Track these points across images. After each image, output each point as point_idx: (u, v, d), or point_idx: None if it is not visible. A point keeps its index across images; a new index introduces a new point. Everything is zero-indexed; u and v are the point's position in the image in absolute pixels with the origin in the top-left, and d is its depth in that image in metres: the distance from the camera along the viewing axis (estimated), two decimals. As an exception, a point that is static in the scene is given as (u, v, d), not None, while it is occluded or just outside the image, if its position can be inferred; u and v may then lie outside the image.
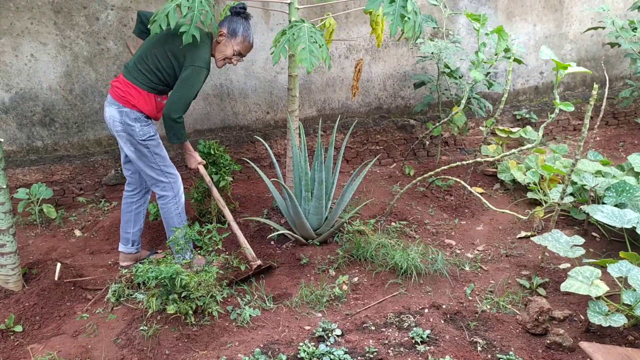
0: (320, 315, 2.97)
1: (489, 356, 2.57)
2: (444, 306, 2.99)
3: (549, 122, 3.23)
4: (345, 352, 2.54)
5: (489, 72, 4.53)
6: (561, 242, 3.09)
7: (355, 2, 4.64)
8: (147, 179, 3.26)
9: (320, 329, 2.73)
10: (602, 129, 5.94)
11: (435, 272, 3.29)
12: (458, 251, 3.64)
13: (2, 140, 2.89)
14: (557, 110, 3.11)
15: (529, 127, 5.11)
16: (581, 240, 3.09)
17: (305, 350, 2.55)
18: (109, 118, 3.09)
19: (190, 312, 2.78)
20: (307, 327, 2.83)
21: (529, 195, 4.19)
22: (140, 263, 3.19)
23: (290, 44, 3.07)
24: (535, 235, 3.70)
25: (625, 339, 2.66)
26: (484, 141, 4.35)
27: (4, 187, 2.89)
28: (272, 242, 3.76)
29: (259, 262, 3.33)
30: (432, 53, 4.45)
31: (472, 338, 2.70)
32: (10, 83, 4.01)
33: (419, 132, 5.20)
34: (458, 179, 3.84)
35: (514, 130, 5.04)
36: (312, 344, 2.63)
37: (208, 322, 2.83)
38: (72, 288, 3.21)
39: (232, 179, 3.97)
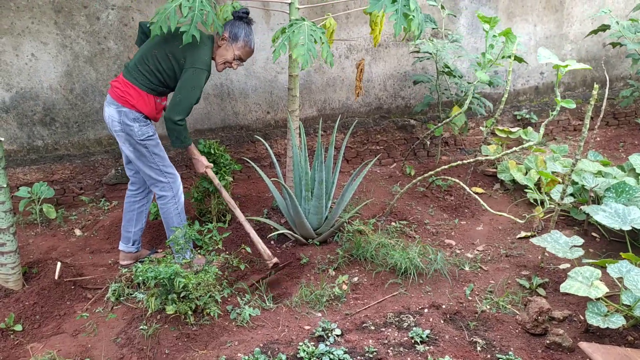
0: (320, 315, 2.97)
1: (489, 356, 2.57)
2: (443, 306, 2.99)
3: (550, 120, 3.23)
4: (345, 352, 2.55)
5: (495, 80, 4.52)
6: (560, 243, 3.09)
7: (355, 2, 4.64)
8: (146, 178, 3.26)
9: (320, 329, 2.73)
10: (602, 129, 5.93)
11: (435, 272, 3.29)
12: (458, 251, 3.65)
13: (2, 139, 2.89)
14: (558, 108, 3.11)
15: (530, 128, 5.11)
16: (580, 241, 3.08)
17: (304, 350, 2.55)
18: (108, 118, 3.09)
19: (190, 312, 2.78)
20: (307, 327, 2.83)
21: (529, 195, 4.19)
22: (140, 262, 3.19)
23: (290, 41, 3.07)
24: (535, 235, 3.70)
25: (624, 339, 2.66)
26: (484, 141, 4.35)
27: (5, 186, 2.89)
28: (272, 242, 3.77)
29: (274, 260, 3.28)
30: (431, 53, 4.45)
31: (471, 338, 2.70)
32: (10, 82, 4.01)
33: (420, 132, 5.20)
34: (458, 180, 3.84)
35: (513, 130, 5.04)
36: (312, 343, 2.63)
37: (208, 321, 2.83)
38: (72, 287, 3.21)
39: (232, 179, 3.97)
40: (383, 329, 2.78)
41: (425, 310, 2.95)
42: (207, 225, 3.35)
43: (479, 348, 2.62)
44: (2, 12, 3.83)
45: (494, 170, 4.72)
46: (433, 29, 4.61)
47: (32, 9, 3.89)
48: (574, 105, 3.07)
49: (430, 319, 2.84)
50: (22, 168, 4.16)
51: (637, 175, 4.01)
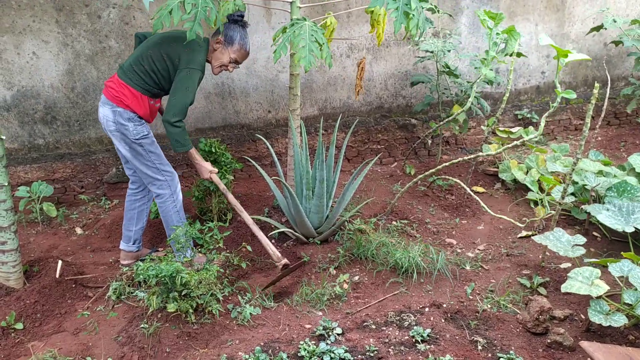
0: (320, 313, 2.97)
1: (490, 355, 2.57)
2: (444, 305, 2.99)
3: (550, 112, 3.23)
4: (346, 351, 2.54)
5: (496, 77, 4.52)
6: (562, 241, 3.09)
7: (356, 1, 4.64)
8: (143, 177, 3.26)
9: (321, 328, 2.73)
10: (603, 129, 5.93)
11: (436, 271, 3.29)
12: (459, 250, 3.64)
13: (3, 137, 2.89)
14: (558, 99, 3.12)
15: (531, 128, 5.10)
16: (583, 240, 3.08)
17: (305, 349, 2.55)
18: (103, 118, 3.10)
19: (191, 310, 2.78)
20: (308, 326, 2.83)
21: (530, 195, 4.19)
22: (141, 261, 3.19)
23: (291, 42, 3.07)
24: (536, 234, 3.70)
25: (625, 338, 2.66)
26: (485, 140, 4.34)
27: (6, 184, 2.90)
28: (273, 241, 3.76)
29: (284, 261, 3.22)
30: (431, 52, 4.45)
31: (472, 337, 2.70)
32: (12, 81, 4.01)
33: (420, 132, 5.20)
34: (458, 180, 3.84)
35: (514, 130, 5.04)
36: (313, 342, 2.63)
37: (209, 320, 2.83)
38: (73, 286, 3.21)
39: (233, 178, 3.97)
40: (384, 328, 2.78)
41: (426, 309, 2.95)
42: (208, 224, 3.35)
43: (479, 347, 2.62)
44: (4, 11, 3.83)
45: (495, 169, 4.72)
46: (433, 28, 4.60)
47: (34, 7, 3.89)
48: (574, 96, 3.07)
49: (431, 318, 2.84)
50: (23, 166, 4.17)
51: (637, 174, 4.00)
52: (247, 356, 2.53)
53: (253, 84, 4.63)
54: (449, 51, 4.43)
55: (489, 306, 2.98)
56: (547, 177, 4.01)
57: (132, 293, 3.15)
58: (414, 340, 2.65)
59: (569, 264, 3.33)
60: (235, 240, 3.68)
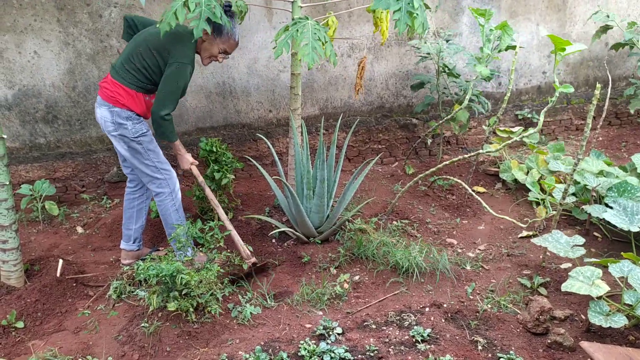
0: (321, 313, 2.97)
1: (490, 355, 2.57)
2: (444, 305, 2.99)
3: (549, 107, 3.24)
4: (346, 351, 2.55)
5: (493, 72, 4.51)
6: (561, 243, 3.09)
7: (357, 1, 4.64)
8: (142, 176, 3.26)
9: (321, 327, 2.73)
10: (604, 129, 5.92)
11: (436, 271, 3.29)
12: (459, 250, 3.64)
13: (5, 136, 2.90)
14: (557, 94, 3.12)
15: (531, 129, 5.09)
16: (582, 240, 3.08)
17: (305, 349, 2.56)
18: (101, 119, 3.11)
19: (191, 309, 2.78)
20: (308, 325, 2.83)
21: (531, 195, 4.19)
22: (141, 260, 3.20)
23: (294, 40, 3.07)
24: (537, 235, 3.70)
25: (625, 338, 2.66)
26: (486, 140, 4.34)
27: (7, 183, 2.90)
28: (274, 240, 3.77)
29: (253, 259, 3.32)
30: (428, 53, 4.45)
31: (472, 337, 2.70)
32: (13, 80, 4.02)
33: (422, 131, 5.20)
34: (459, 180, 3.84)
35: (514, 130, 5.04)
36: (313, 342, 2.64)
37: (209, 319, 2.83)
38: (74, 285, 3.22)
39: (234, 177, 3.97)
40: (384, 328, 2.78)
41: (427, 309, 2.95)
42: (209, 223, 3.35)
43: (480, 347, 2.62)
44: (5, 10, 3.84)
45: (496, 169, 4.71)
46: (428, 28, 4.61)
47: (35, 6, 3.89)
48: (571, 90, 3.08)
49: (432, 318, 2.84)
50: (24, 165, 4.17)
51: (639, 174, 4.00)
52: (247, 355, 2.54)
53: (254, 84, 4.63)
54: (455, 54, 4.43)
55: (490, 306, 2.98)
56: (549, 178, 4.02)
57: (132, 292, 3.15)
58: (414, 340, 2.65)
59: (570, 264, 3.33)
60: (236, 240, 3.68)
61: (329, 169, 3.61)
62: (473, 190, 3.73)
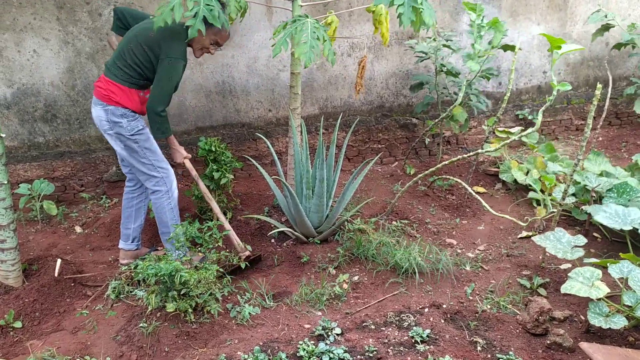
0: (320, 313, 2.96)
1: (489, 356, 2.56)
2: (444, 306, 2.98)
3: (547, 106, 3.23)
4: (345, 351, 2.54)
5: (492, 71, 4.50)
6: (563, 242, 3.08)
7: (358, 0, 4.63)
8: (139, 175, 3.26)
9: (320, 328, 2.73)
10: (604, 129, 5.91)
11: (435, 272, 3.28)
12: (459, 251, 3.64)
13: (3, 135, 2.89)
14: (554, 92, 3.11)
15: (531, 129, 5.09)
16: (583, 241, 3.07)
17: (304, 349, 2.55)
18: (96, 118, 3.11)
19: (190, 309, 2.78)
20: (307, 326, 2.82)
21: (531, 195, 4.18)
22: (140, 260, 3.19)
23: (293, 37, 3.06)
24: (536, 235, 3.68)
25: (625, 339, 2.65)
26: (486, 140, 4.33)
27: (5, 182, 2.89)
28: (273, 240, 3.76)
29: (247, 252, 3.37)
30: (425, 53, 4.45)
31: (472, 338, 2.69)
32: (12, 78, 4.01)
33: (421, 131, 5.19)
34: (459, 180, 3.83)
35: (513, 130, 5.03)
36: (312, 342, 2.63)
37: (207, 319, 2.83)
38: (72, 284, 3.21)
39: (233, 177, 3.97)
40: (383, 328, 2.77)
41: (426, 309, 2.94)
42: (207, 223, 3.35)
43: (479, 348, 2.61)
44: (5, 8, 3.83)
45: (496, 169, 4.71)
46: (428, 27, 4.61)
47: (35, 5, 3.88)
48: (569, 87, 3.07)
49: (431, 319, 2.83)
50: (22, 164, 4.16)
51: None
52: (246, 356, 2.53)
53: (254, 83, 4.62)
54: (452, 52, 4.43)
55: (489, 307, 2.97)
56: (550, 177, 4.01)
57: (131, 292, 3.14)
58: (413, 340, 2.64)
59: (569, 265, 3.32)
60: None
61: (328, 168, 3.60)
62: (473, 190, 3.72)
